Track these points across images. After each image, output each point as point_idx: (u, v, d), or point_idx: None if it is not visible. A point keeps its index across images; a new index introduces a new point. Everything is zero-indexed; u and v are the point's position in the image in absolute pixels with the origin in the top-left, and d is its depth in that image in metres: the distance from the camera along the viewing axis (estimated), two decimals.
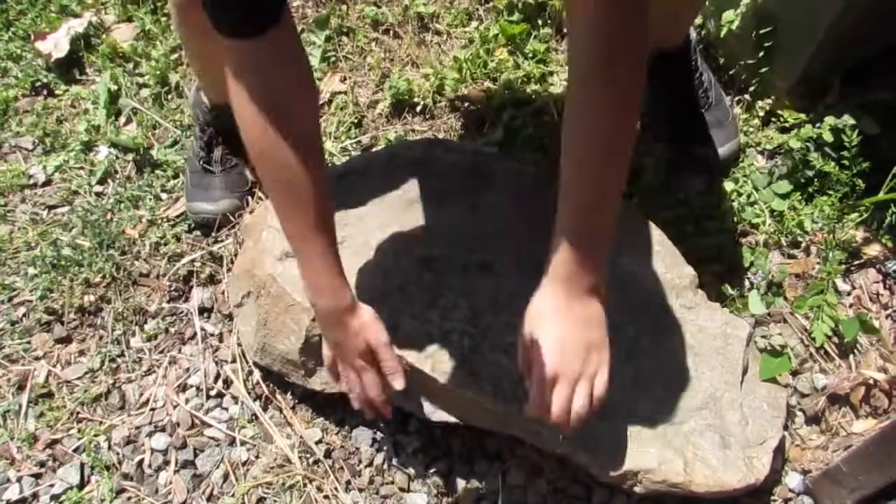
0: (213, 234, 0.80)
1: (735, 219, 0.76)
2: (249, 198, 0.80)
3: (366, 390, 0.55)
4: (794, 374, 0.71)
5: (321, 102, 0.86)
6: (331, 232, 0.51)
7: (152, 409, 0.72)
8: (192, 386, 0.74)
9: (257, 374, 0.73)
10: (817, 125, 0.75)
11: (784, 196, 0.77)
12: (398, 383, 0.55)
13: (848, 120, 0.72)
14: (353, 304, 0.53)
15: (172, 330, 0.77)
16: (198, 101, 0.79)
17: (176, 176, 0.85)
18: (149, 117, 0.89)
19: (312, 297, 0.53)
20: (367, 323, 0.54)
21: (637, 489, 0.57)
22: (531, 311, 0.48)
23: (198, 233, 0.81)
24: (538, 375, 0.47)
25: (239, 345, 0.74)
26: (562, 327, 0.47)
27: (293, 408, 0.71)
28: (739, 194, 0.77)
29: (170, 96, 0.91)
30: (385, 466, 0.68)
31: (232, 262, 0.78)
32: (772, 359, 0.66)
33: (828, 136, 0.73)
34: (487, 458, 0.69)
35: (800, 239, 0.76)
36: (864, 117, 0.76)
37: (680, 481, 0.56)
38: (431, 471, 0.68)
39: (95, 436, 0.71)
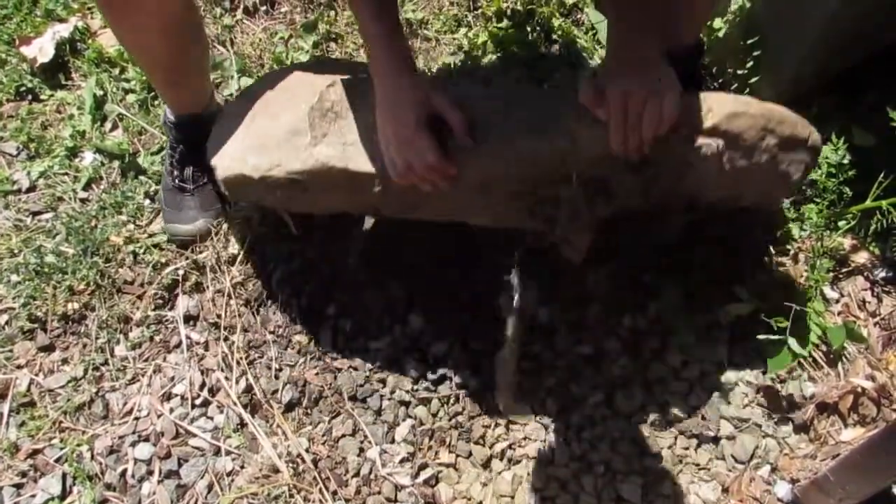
0: (195, 245, 0.82)
1: (724, 228, 0.79)
2: (228, 207, 0.83)
3: (426, 156, 0.56)
4: (782, 382, 0.74)
5: None
6: (396, 21, 0.55)
7: (136, 419, 0.74)
8: (176, 395, 0.76)
9: (245, 381, 0.75)
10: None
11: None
12: (468, 141, 0.57)
13: (841, 150, 0.75)
14: (416, 79, 0.56)
15: (157, 338, 0.79)
16: (165, 117, 0.81)
17: (160, 182, 0.87)
18: (135, 123, 0.92)
19: (377, 84, 0.56)
20: (430, 91, 0.56)
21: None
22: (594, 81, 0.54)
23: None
24: (614, 105, 0.54)
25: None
26: (626, 69, 0.53)
27: (283, 414, 0.74)
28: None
29: (156, 102, 0.94)
30: (372, 476, 0.71)
31: (215, 271, 0.81)
32: (775, 359, 0.68)
33: (827, 169, 0.76)
34: (476, 467, 0.72)
35: (788, 247, 0.79)
36: (856, 129, 0.80)
37: None
38: (419, 481, 0.71)
39: (78, 445, 0.73)
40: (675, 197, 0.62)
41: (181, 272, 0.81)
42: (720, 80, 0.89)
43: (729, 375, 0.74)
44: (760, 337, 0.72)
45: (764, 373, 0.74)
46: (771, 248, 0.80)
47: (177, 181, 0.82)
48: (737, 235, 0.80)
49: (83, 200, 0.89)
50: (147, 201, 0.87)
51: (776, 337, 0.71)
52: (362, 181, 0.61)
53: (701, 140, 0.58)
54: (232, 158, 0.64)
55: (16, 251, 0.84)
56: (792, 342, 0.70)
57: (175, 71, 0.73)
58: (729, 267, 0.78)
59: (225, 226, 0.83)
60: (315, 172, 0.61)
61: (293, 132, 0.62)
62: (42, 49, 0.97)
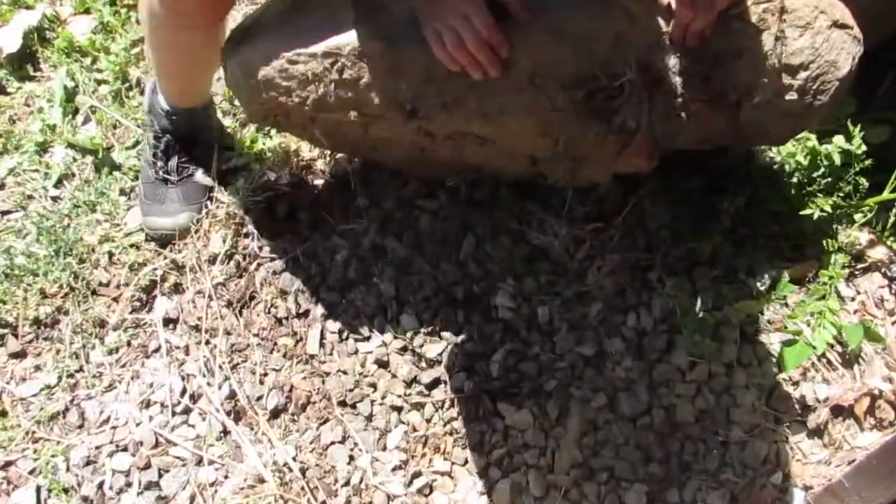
0: (174, 242, 0.83)
1: (733, 221, 0.79)
2: (208, 203, 0.83)
3: (480, 29, 0.56)
4: (795, 384, 0.74)
5: None
6: None
7: (113, 428, 0.74)
8: (156, 402, 0.76)
9: (228, 387, 0.75)
10: (824, 142, 0.78)
11: (785, 198, 0.80)
12: (525, 14, 0.58)
13: (856, 137, 0.75)
14: None
15: (135, 342, 0.79)
16: (154, 105, 0.81)
17: (137, 179, 0.88)
18: (108, 116, 0.92)
19: None
20: None
21: None
22: None
23: (156, 244, 0.83)
24: None
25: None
26: None
27: (268, 421, 0.74)
28: (738, 194, 0.80)
29: (131, 93, 0.94)
30: (363, 486, 0.71)
31: (195, 271, 0.81)
32: (790, 349, 0.68)
33: (836, 158, 0.76)
34: (473, 475, 0.72)
35: (801, 241, 0.79)
36: (868, 125, 0.78)
37: None
38: (412, 489, 0.71)
39: (53, 456, 0.73)
40: (731, 88, 0.63)
41: (159, 272, 0.81)
42: None
43: (739, 377, 0.74)
44: (773, 335, 0.72)
45: (776, 374, 0.74)
46: (783, 243, 0.80)
47: (160, 173, 0.82)
48: (747, 229, 0.80)
49: (55, 198, 0.88)
50: (123, 198, 0.87)
51: (789, 336, 0.71)
52: (404, 63, 0.61)
53: (759, 15, 0.60)
54: (266, 48, 0.64)
55: None
56: (807, 335, 0.70)
57: (194, 73, 0.75)
58: (738, 263, 0.78)
59: (206, 223, 0.83)
60: (356, 48, 0.61)
61: (333, 18, 0.62)
62: (8, 38, 0.96)
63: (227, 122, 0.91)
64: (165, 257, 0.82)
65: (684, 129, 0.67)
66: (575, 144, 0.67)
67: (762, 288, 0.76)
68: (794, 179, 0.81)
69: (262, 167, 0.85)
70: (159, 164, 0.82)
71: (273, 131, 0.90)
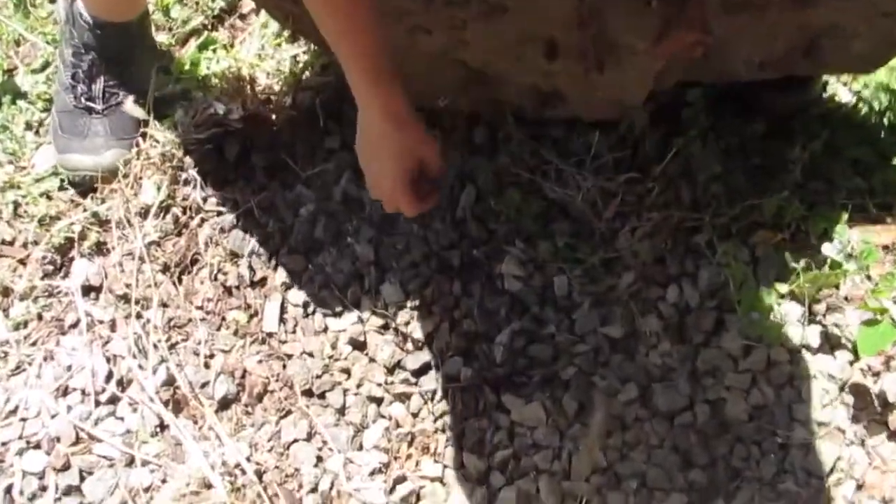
0: (96, 188, 0.78)
1: (804, 172, 0.73)
2: (141, 140, 0.77)
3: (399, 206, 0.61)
4: (876, 375, 0.68)
5: None
6: (378, 31, 0.55)
7: (23, 420, 0.71)
8: (75, 389, 0.72)
9: (165, 371, 0.71)
10: None
11: (871, 143, 0.74)
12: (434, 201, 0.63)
13: None
14: (406, 116, 0.58)
15: (47, 315, 0.75)
16: (73, 15, 0.74)
17: (47, 110, 0.82)
18: (9, 30, 0.86)
19: (361, 112, 0.58)
20: (422, 139, 0.59)
21: None
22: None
23: (74, 191, 0.79)
24: None
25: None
26: None
27: (216, 413, 0.70)
28: (811, 138, 0.74)
29: (38, 0, 0.88)
30: (333, 493, 0.68)
31: (122, 226, 0.75)
32: (871, 330, 0.63)
33: None
34: (470, 481, 0.68)
35: (890, 199, 0.73)
36: None
37: None
38: (395, 498, 0.67)
39: None
40: None
41: (77, 228, 0.76)
42: None
43: (805, 365, 0.69)
44: (850, 314, 0.66)
45: (852, 362, 0.69)
46: (867, 200, 0.73)
47: (82, 99, 0.76)
48: (821, 182, 0.74)
49: None
50: (30, 134, 0.82)
51: (870, 315, 0.65)
52: None
53: None
54: None
55: None
56: (894, 314, 0.64)
57: None
58: (810, 224, 0.72)
59: (136, 165, 0.77)
60: None
61: None
62: None
63: (162, 38, 0.85)
64: (85, 209, 0.77)
65: (744, 36, 0.57)
66: (605, 10, 0.58)
67: (839, 256, 0.69)
68: (885, 121, 0.75)
69: (206, 97, 0.79)
70: (80, 88, 0.75)
71: (222, 51, 0.83)
